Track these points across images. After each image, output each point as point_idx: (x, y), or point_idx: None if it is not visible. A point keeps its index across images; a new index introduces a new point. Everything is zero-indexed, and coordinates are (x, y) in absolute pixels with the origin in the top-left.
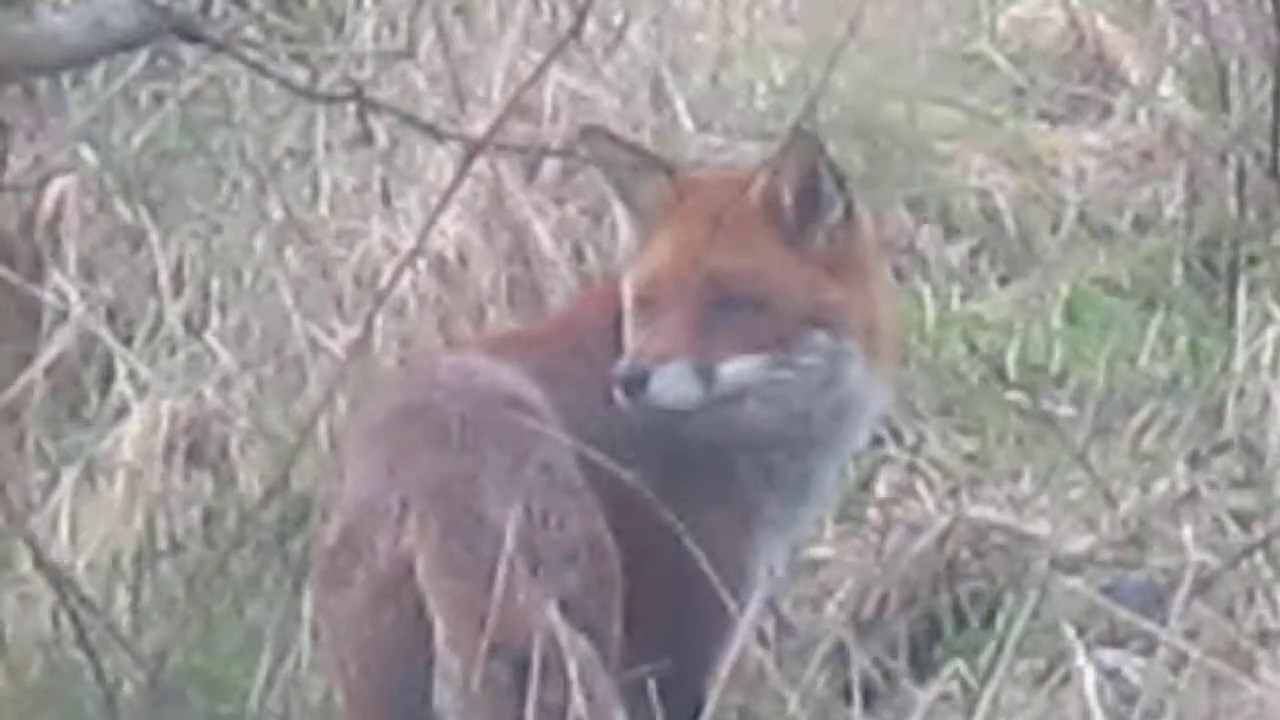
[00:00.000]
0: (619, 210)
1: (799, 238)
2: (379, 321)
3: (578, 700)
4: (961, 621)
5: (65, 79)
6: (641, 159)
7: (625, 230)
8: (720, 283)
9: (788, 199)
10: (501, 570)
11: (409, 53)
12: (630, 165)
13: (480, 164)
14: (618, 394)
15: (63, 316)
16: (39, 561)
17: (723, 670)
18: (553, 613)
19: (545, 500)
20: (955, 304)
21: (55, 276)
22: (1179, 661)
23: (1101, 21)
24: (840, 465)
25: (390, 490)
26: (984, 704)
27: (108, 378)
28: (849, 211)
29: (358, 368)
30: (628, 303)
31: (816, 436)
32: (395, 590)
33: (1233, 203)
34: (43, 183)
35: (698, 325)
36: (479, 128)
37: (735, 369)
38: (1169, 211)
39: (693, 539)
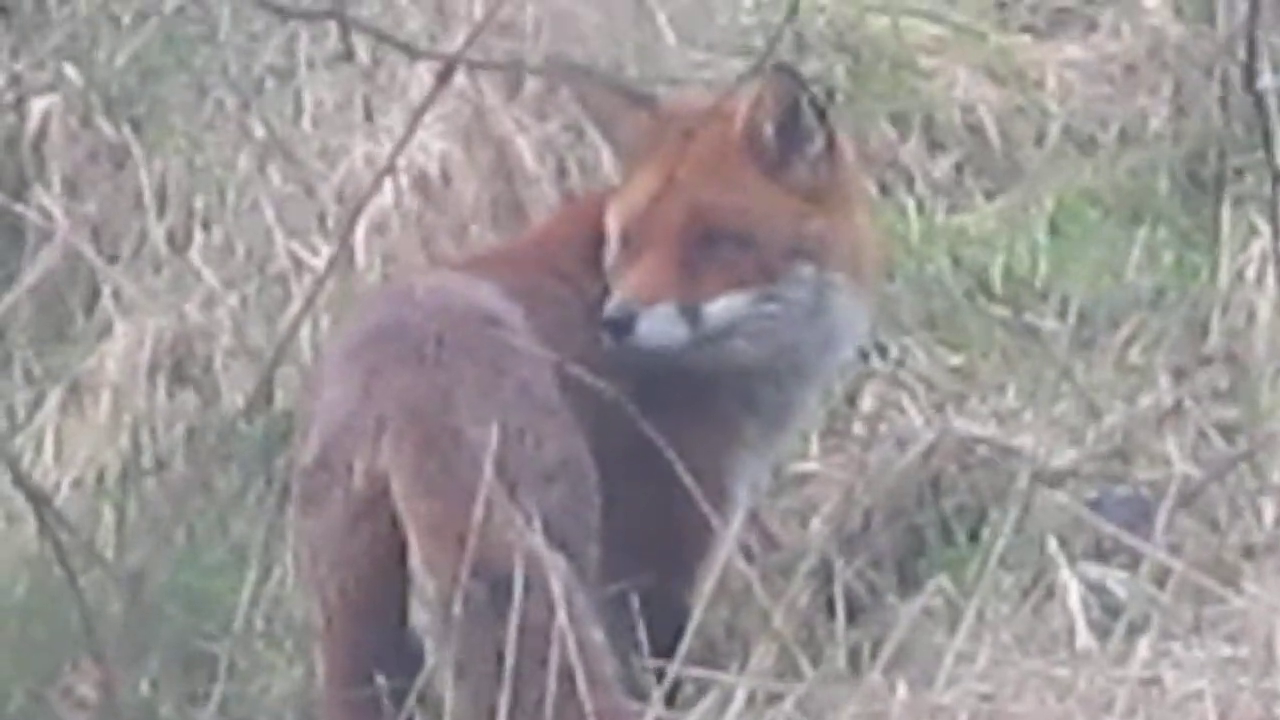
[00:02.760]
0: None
1: (781, 170)
2: (361, 238)
3: (560, 618)
4: (946, 535)
5: None
6: (620, 94)
7: (609, 154)
8: (704, 219)
9: (769, 133)
10: (478, 489)
11: None
12: (609, 101)
13: (462, 81)
14: (604, 337)
15: (47, 235)
16: (18, 480)
17: (706, 585)
18: (530, 532)
19: (522, 419)
20: (940, 218)
21: (39, 195)
22: (1163, 575)
23: None
24: (822, 390)
25: (366, 410)
26: (968, 618)
27: (92, 296)
28: (830, 142)
29: (339, 284)
30: (611, 237)
31: (802, 367)
32: (371, 510)
33: (1218, 116)
34: (20, 101)
35: (682, 264)
36: (459, 45)
37: (721, 307)
38: (1154, 125)
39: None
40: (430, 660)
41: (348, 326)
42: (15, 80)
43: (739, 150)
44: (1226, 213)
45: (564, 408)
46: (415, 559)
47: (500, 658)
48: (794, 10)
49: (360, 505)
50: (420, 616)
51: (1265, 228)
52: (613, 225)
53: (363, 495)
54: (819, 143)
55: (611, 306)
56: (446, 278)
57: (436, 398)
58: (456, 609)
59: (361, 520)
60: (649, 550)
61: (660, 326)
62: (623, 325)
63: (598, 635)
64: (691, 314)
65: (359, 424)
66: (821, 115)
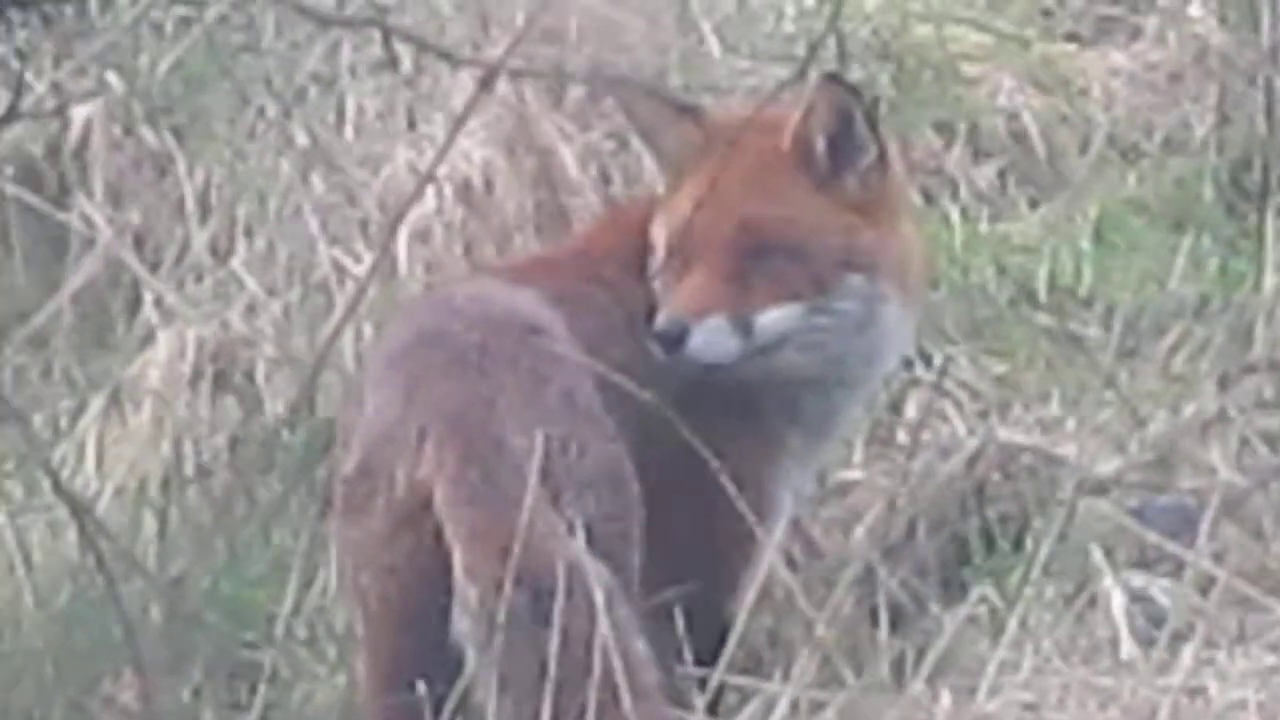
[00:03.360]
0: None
1: (831, 182)
2: (403, 246)
3: (603, 628)
4: (990, 544)
5: (92, 4)
6: (666, 104)
7: (652, 162)
8: (754, 231)
9: (820, 144)
10: (521, 498)
11: None
12: (654, 111)
13: (505, 89)
14: (655, 350)
15: (89, 243)
16: (58, 489)
17: (749, 594)
18: (573, 541)
19: (565, 427)
20: (984, 226)
21: (82, 203)
22: (1207, 583)
23: None
24: (866, 400)
25: (408, 419)
26: (1012, 626)
27: (134, 304)
28: (881, 155)
29: (381, 292)
30: (657, 247)
31: (848, 377)
32: (413, 519)
33: (1262, 124)
34: (61, 108)
35: (733, 276)
36: (502, 53)
37: (772, 318)
38: (1198, 133)
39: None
40: (471, 669)
41: (389, 335)
42: (57, 88)
43: (789, 162)
44: (1271, 220)
45: (606, 416)
46: (457, 568)
47: (542, 667)
48: (837, 17)
49: (402, 514)
50: (462, 625)
51: None
52: (659, 236)
53: (405, 504)
54: (871, 154)
55: (663, 319)
56: (488, 285)
57: (479, 406)
58: (499, 618)
59: (403, 529)
60: (692, 559)
61: (712, 339)
62: (674, 338)
63: (639, 644)
64: (743, 326)
65: (401, 433)
66: (873, 128)
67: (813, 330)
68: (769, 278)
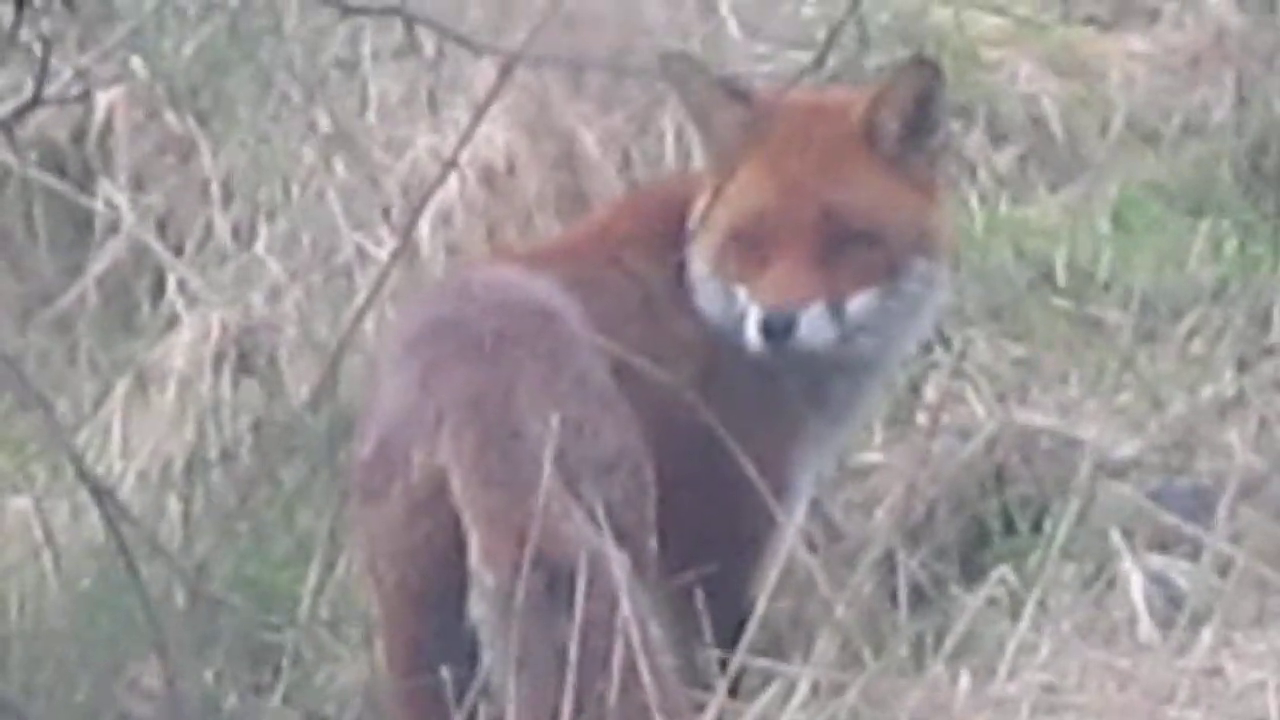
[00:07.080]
0: (696, 136)
1: (902, 164)
2: (425, 230)
3: (624, 610)
4: (1009, 526)
5: None
6: (720, 87)
7: (672, 145)
8: (837, 218)
9: (895, 125)
10: (538, 482)
11: None
12: (709, 92)
13: (526, 74)
14: (756, 338)
15: (113, 227)
16: (81, 472)
17: (769, 576)
18: (589, 525)
19: (580, 412)
20: (1004, 210)
21: (106, 187)
22: (1225, 565)
23: None
24: (885, 382)
25: (425, 404)
26: (1031, 608)
27: (158, 288)
28: (948, 135)
29: (403, 275)
30: (713, 232)
31: (879, 361)
32: (430, 503)
33: None
34: (85, 94)
35: (822, 263)
36: (522, 38)
37: (859, 303)
38: (1217, 116)
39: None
40: (487, 653)
41: (404, 320)
42: (82, 73)
43: (859, 145)
44: None
45: (621, 399)
46: (474, 552)
47: (559, 651)
48: (858, 3)
49: (419, 499)
50: (478, 609)
51: None
52: (720, 220)
53: (421, 489)
54: (942, 136)
55: (768, 310)
56: (503, 271)
57: (495, 391)
58: (516, 602)
59: (420, 514)
60: (712, 541)
61: (815, 327)
62: (783, 328)
63: (654, 629)
64: (839, 313)
65: (417, 418)
66: (946, 110)
67: (884, 314)
68: (851, 264)
